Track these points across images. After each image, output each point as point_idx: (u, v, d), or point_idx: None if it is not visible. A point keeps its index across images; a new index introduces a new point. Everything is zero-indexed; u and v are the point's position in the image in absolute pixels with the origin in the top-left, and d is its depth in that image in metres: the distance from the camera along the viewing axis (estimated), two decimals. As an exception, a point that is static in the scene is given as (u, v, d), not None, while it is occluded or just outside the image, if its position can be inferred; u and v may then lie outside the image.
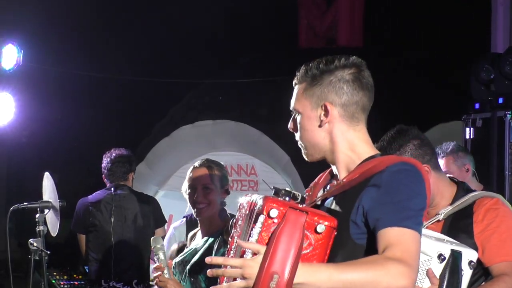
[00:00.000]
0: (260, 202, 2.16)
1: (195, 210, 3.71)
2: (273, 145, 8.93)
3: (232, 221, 2.54)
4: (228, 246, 2.39)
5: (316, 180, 2.46)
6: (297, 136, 2.38)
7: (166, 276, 3.40)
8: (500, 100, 6.39)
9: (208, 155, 9.30)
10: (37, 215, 4.45)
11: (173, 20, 10.94)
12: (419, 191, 2.18)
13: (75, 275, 6.64)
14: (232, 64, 11.01)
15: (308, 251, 2.10)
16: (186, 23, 10.93)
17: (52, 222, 4.53)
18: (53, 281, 6.41)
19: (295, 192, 2.24)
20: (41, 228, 4.41)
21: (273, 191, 2.24)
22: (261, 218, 2.12)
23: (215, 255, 3.52)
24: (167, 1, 10.89)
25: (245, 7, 10.65)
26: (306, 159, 2.40)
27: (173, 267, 3.70)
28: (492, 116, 6.42)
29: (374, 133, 3.44)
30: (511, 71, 6.33)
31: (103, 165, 5.78)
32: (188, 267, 3.63)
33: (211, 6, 10.77)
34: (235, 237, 2.33)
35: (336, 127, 2.31)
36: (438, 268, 2.62)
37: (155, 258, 3.57)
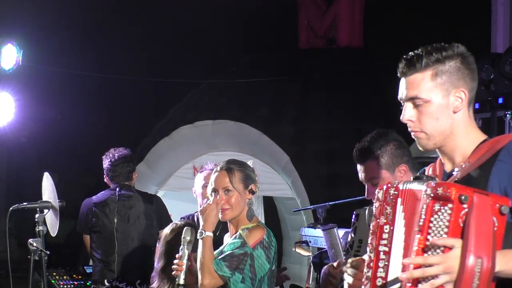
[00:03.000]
0: (430, 189, 2.09)
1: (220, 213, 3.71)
2: (273, 145, 8.93)
3: (368, 209, 2.42)
4: (374, 236, 2.29)
5: (431, 172, 2.46)
6: (418, 126, 2.35)
7: (183, 273, 3.54)
8: (500, 100, 6.38)
9: (208, 155, 9.30)
10: (37, 215, 4.45)
11: (173, 20, 10.95)
12: None
13: (75, 275, 6.63)
14: (232, 64, 11.01)
15: (494, 230, 2.07)
16: (186, 23, 10.93)
17: (51, 222, 4.53)
18: (53, 281, 6.40)
19: (435, 177, 2.25)
20: (40, 228, 4.41)
21: (412, 178, 2.24)
22: (449, 206, 2.05)
23: (232, 247, 3.55)
24: (167, 1, 10.89)
25: (245, 7, 10.65)
26: (425, 148, 2.38)
27: None
28: (492, 116, 6.42)
29: (374, 133, 3.44)
30: (511, 71, 6.33)
31: (106, 166, 5.75)
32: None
33: (211, 6, 10.77)
34: (385, 226, 2.25)
35: (462, 114, 2.33)
36: None
37: (180, 249, 3.64)
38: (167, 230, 4.27)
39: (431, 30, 10.27)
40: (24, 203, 4.57)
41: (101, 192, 5.78)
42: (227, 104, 9.71)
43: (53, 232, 4.53)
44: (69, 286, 6.48)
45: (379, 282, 2.24)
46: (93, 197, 5.76)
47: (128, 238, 5.65)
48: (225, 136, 9.28)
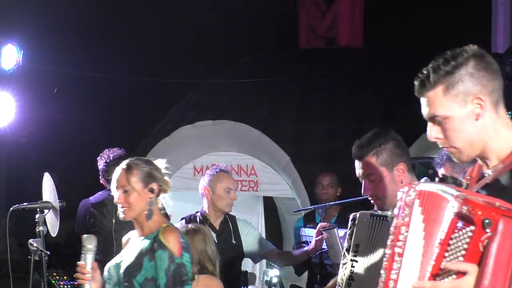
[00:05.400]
0: (456, 203, 1.98)
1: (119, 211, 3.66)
2: (273, 145, 8.92)
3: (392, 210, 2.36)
4: (393, 237, 2.23)
5: (467, 174, 2.37)
6: (446, 142, 2.27)
7: (88, 284, 3.46)
8: (500, 100, 6.37)
9: (208, 155, 9.30)
10: (37, 216, 4.44)
11: (173, 21, 10.95)
12: None
13: (75, 275, 6.62)
14: (232, 64, 11.01)
15: None
16: (186, 24, 10.94)
17: (52, 223, 4.52)
18: (53, 281, 6.40)
19: (461, 180, 2.17)
20: (41, 228, 4.40)
21: (437, 179, 2.16)
22: (470, 229, 1.94)
23: (148, 259, 3.50)
24: (167, 1, 10.89)
25: (245, 8, 10.65)
26: (461, 161, 2.29)
27: (108, 270, 3.66)
28: (492, 116, 6.41)
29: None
30: (511, 71, 6.32)
31: (101, 167, 5.74)
32: (121, 270, 3.59)
33: (211, 6, 10.78)
34: (402, 227, 2.19)
35: (487, 117, 2.24)
36: None
37: (81, 257, 3.54)
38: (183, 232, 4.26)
39: (431, 30, 10.27)
40: (24, 203, 4.56)
41: (98, 193, 5.77)
42: (227, 104, 9.71)
43: (53, 233, 4.53)
44: (69, 286, 6.47)
45: (391, 284, 2.19)
46: (91, 197, 5.76)
47: (126, 239, 5.66)
48: (225, 136, 9.27)
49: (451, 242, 1.98)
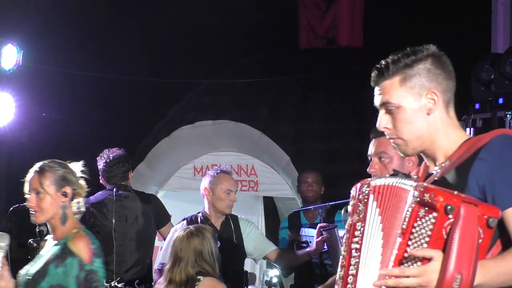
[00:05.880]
0: (417, 192, 2.02)
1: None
2: (273, 145, 8.92)
3: (346, 207, 2.40)
4: (348, 234, 2.26)
5: (414, 173, 2.42)
6: (394, 132, 2.32)
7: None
8: (500, 100, 6.37)
9: (208, 155, 9.31)
10: (37, 215, 4.44)
11: (173, 20, 10.94)
12: None
13: None
14: (232, 64, 11.01)
15: (479, 243, 2.00)
16: (186, 23, 10.93)
17: (52, 222, 4.52)
18: (53, 281, 6.39)
19: (411, 176, 2.21)
20: (41, 228, 4.40)
21: (389, 175, 2.19)
22: (433, 215, 1.98)
23: (55, 266, 3.44)
24: (167, 1, 10.89)
25: (245, 7, 10.65)
26: (405, 154, 2.35)
27: (19, 276, 3.61)
28: (492, 116, 6.41)
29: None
30: (511, 71, 6.32)
31: (101, 167, 5.75)
32: (29, 276, 3.54)
33: (211, 6, 10.77)
34: (357, 223, 2.23)
35: (438, 115, 2.29)
36: None
37: None
38: (178, 234, 4.25)
39: (431, 30, 10.27)
40: (25, 203, 4.57)
41: (99, 193, 5.78)
42: (227, 104, 9.71)
43: (53, 232, 4.53)
44: (69, 286, 6.47)
45: (350, 279, 2.21)
46: (91, 197, 5.76)
47: (126, 238, 5.65)
48: (225, 136, 9.27)
49: (414, 230, 2.02)
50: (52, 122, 10.62)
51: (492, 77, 6.48)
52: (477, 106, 6.60)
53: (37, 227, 4.41)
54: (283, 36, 11.61)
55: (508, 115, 6.28)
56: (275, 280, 5.87)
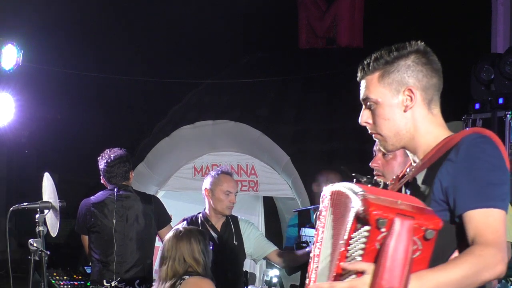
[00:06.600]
0: (358, 202, 1.97)
1: None
2: (273, 145, 8.92)
3: (317, 213, 2.37)
4: (314, 239, 2.26)
5: (402, 171, 2.39)
6: (374, 128, 2.31)
7: None
8: (500, 100, 6.37)
9: (208, 155, 9.31)
10: (37, 216, 4.45)
11: (173, 21, 10.95)
12: (499, 164, 2.12)
13: (75, 275, 6.63)
14: (232, 64, 11.01)
15: (416, 255, 1.96)
16: (186, 24, 10.94)
17: (52, 223, 4.53)
18: (53, 281, 6.40)
19: (377, 180, 2.19)
20: (41, 228, 4.40)
21: (354, 180, 2.15)
22: (366, 228, 1.95)
23: None
24: (167, 1, 10.89)
25: (245, 8, 10.65)
26: (386, 150, 2.35)
27: None
28: (492, 116, 6.41)
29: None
30: (511, 71, 6.32)
31: (102, 167, 5.75)
32: None
33: (211, 6, 10.78)
34: (320, 229, 2.22)
35: (418, 112, 2.27)
36: None
37: None
38: (168, 234, 4.26)
39: (431, 30, 10.27)
40: (24, 203, 4.57)
41: (100, 192, 5.78)
42: (227, 104, 9.71)
43: (53, 233, 4.53)
44: (69, 286, 6.48)
45: (311, 284, 2.21)
46: (92, 197, 5.76)
47: (127, 238, 5.65)
48: (225, 136, 9.27)
49: (351, 241, 2.00)
50: (52, 122, 10.62)
51: (492, 77, 6.48)
52: (477, 106, 6.60)
53: (37, 227, 4.41)
54: (283, 36, 11.62)
55: (508, 115, 6.28)
56: (275, 280, 5.87)
